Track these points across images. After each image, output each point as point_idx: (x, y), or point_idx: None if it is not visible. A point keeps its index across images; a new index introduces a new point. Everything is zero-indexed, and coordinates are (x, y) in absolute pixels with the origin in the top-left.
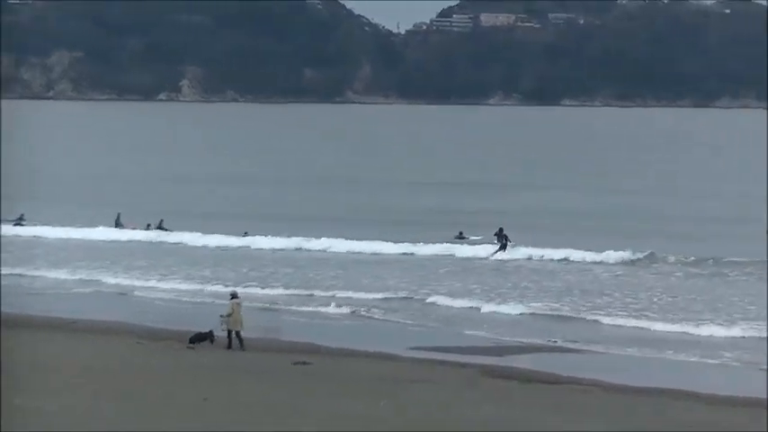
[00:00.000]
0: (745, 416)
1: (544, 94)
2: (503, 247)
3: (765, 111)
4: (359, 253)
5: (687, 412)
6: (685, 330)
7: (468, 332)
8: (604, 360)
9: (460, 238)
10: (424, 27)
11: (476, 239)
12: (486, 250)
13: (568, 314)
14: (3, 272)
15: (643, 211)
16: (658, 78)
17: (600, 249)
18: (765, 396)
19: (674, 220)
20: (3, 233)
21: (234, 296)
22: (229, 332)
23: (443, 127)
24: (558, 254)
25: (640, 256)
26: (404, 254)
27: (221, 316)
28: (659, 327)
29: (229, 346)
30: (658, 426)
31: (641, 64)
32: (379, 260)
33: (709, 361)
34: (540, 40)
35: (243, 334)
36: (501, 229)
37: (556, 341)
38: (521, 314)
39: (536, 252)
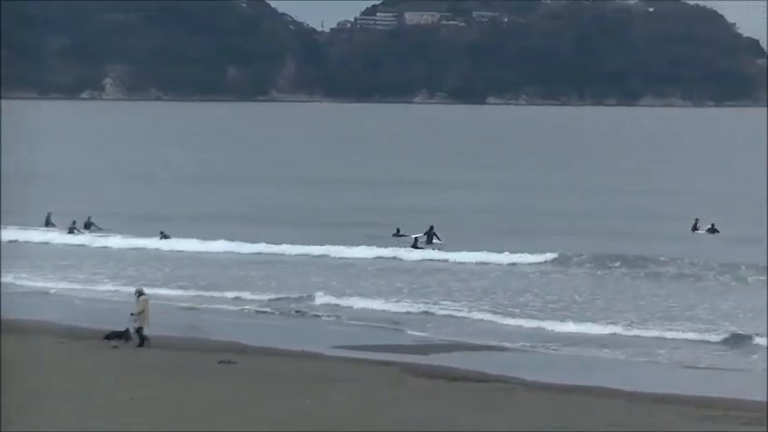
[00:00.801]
0: (668, 413)
1: (469, 93)
2: (429, 241)
3: (690, 109)
4: (281, 254)
5: (611, 410)
6: (614, 331)
7: (392, 331)
8: (530, 359)
9: (398, 235)
10: (349, 25)
11: (408, 237)
12: (409, 251)
13: (486, 314)
14: None
15: (564, 211)
16: (583, 77)
17: (522, 250)
18: (688, 393)
19: (596, 218)
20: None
21: (140, 293)
22: (138, 330)
23: (366, 125)
24: (480, 256)
25: (558, 255)
26: (321, 255)
27: (132, 314)
28: (584, 328)
29: (141, 344)
30: (582, 423)
31: (566, 62)
32: (296, 261)
33: (634, 359)
34: (465, 38)
35: (157, 332)
36: (431, 228)
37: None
38: (446, 315)
39: (461, 255)
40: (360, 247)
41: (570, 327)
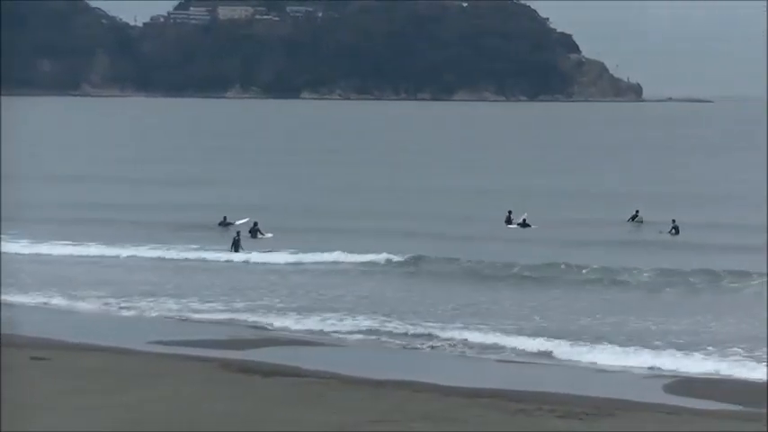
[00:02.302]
0: (483, 407)
1: (283, 87)
2: (254, 236)
3: (503, 103)
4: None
5: (426, 403)
6: (430, 332)
7: (207, 326)
8: (345, 354)
9: (225, 224)
10: (162, 20)
11: (234, 225)
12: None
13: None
14: None
15: (399, 209)
16: (397, 72)
17: (362, 251)
18: (502, 387)
19: (432, 219)
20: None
21: None
22: None
23: (176, 120)
24: (325, 257)
25: (403, 258)
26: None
27: None
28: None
29: None
30: (398, 416)
31: (380, 57)
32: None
33: (449, 355)
34: (279, 33)
35: None
36: (255, 223)
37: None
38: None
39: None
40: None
41: (389, 325)
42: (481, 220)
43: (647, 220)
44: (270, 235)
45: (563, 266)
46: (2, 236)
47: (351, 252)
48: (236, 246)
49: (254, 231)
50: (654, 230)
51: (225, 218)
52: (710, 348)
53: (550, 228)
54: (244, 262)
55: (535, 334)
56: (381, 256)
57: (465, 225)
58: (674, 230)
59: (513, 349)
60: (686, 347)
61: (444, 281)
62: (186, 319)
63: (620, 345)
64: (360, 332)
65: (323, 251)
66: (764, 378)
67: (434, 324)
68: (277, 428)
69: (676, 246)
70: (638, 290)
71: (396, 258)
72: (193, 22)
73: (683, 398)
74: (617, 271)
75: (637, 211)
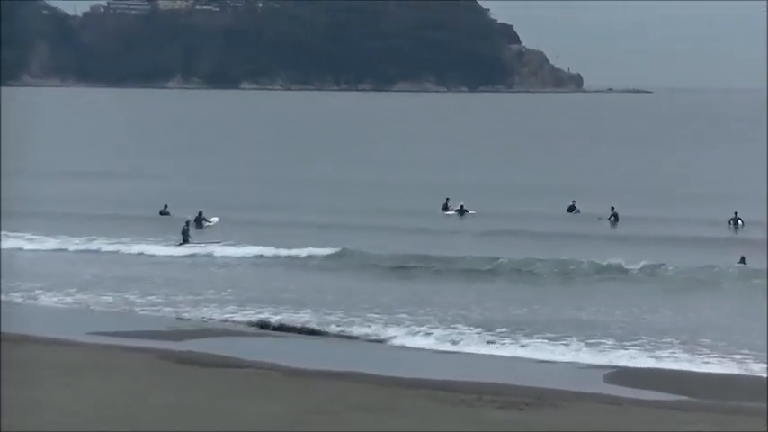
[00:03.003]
0: (423, 398)
1: (223, 78)
2: (199, 226)
3: (444, 94)
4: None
5: (366, 394)
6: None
7: (146, 318)
8: (285, 345)
9: (165, 213)
10: (102, 10)
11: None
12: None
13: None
14: None
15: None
16: (338, 63)
17: (300, 245)
18: (443, 378)
19: (367, 213)
20: None
21: None
22: None
23: (113, 111)
24: (254, 250)
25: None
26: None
27: None
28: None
29: None
30: (337, 407)
31: (321, 48)
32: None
33: (388, 346)
34: (219, 23)
35: None
36: (200, 213)
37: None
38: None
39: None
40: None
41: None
42: (419, 213)
43: (585, 212)
44: (215, 219)
45: (502, 260)
46: None
47: (285, 247)
48: (185, 235)
49: (199, 221)
50: (593, 219)
51: (165, 206)
52: (647, 339)
53: (488, 218)
54: (184, 255)
55: (472, 325)
56: (316, 251)
57: (403, 218)
58: (613, 218)
59: (447, 339)
60: (624, 338)
61: (372, 274)
62: (125, 311)
63: (558, 336)
64: (297, 324)
65: (264, 245)
66: (699, 370)
67: (372, 316)
68: (217, 419)
69: (614, 238)
70: (575, 281)
71: (327, 252)
72: (133, 12)
73: (624, 388)
74: (555, 263)
75: (573, 202)
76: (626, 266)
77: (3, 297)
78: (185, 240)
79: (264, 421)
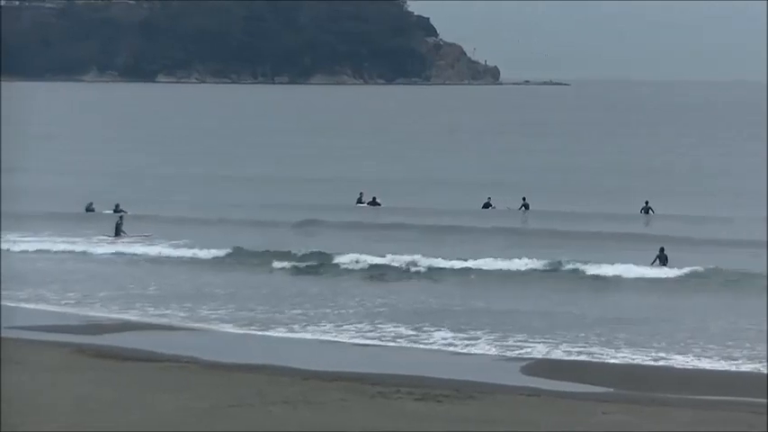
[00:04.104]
0: (342, 390)
1: (140, 71)
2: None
3: (360, 86)
4: None
5: (285, 387)
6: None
7: (62, 313)
8: (202, 338)
9: (90, 209)
10: (17, 2)
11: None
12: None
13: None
14: None
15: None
16: (255, 55)
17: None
18: (361, 371)
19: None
20: None
21: None
22: None
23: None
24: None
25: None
26: None
27: None
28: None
29: None
30: (257, 400)
31: (237, 41)
32: None
33: (307, 339)
34: (136, 16)
35: None
36: (117, 205)
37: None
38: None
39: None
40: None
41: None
42: (334, 208)
43: (500, 208)
44: (126, 212)
45: (418, 257)
46: None
47: (202, 247)
48: (117, 229)
49: (117, 212)
50: (507, 215)
51: (91, 203)
52: (564, 332)
53: (402, 213)
54: (109, 252)
55: (387, 319)
56: (214, 252)
57: (317, 213)
58: (523, 208)
59: (361, 334)
60: (540, 331)
61: (286, 272)
62: (42, 306)
63: (475, 329)
64: (217, 318)
65: (181, 245)
66: (618, 362)
67: (291, 312)
68: (135, 412)
69: (527, 233)
70: (489, 275)
71: (225, 251)
72: (49, 5)
73: (542, 379)
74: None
75: (489, 199)
76: (538, 262)
77: None
78: (117, 234)
79: (182, 415)
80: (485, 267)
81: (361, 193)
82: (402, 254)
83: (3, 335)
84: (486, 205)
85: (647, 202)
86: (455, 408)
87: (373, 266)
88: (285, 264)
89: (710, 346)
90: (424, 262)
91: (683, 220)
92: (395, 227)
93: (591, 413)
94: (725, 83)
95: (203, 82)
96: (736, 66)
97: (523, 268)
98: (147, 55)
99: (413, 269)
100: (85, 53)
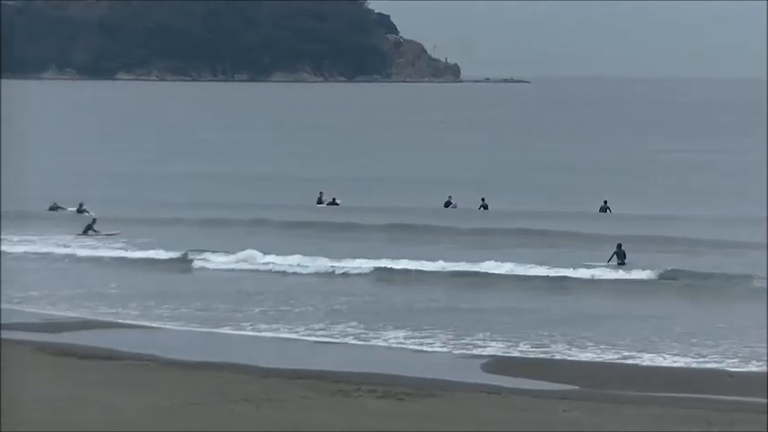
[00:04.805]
0: (303, 388)
1: (99, 69)
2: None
3: (321, 84)
4: None
5: (246, 385)
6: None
7: (21, 312)
8: (161, 336)
9: (54, 209)
10: None
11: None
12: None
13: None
14: None
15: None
16: (214, 53)
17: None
18: (322, 368)
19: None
20: None
21: None
22: None
23: None
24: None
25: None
26: None
27: None
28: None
29: None
30: (218, 397)
31: (197, 38)
32: None
33: (268, 336)
34: (95, 14)
35: None
36: (81, 204)
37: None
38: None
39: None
40: None
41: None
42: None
43: (462, 207)
44: (90, 212)
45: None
46: None
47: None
48: (87, 228)
49: (80, 212)
50: (467, 213)
51: (55, 203)
52: (525, 330)
53: (362, 212)
54: (70, 251)
55: (346, 318)
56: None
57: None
58: (482, 208)
59: (321, 331)
60: (503, 330)
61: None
62: (4, 305)
63: (434, 327)
64: (176, 316)
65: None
66: (579, 359)
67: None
68: (95, 411)
69: (487, 232)
70: (442, 274)
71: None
72: (8, 3)
73: (503, 377)
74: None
75: (450, 197)
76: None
77: None
78: (86, 232)
79: (143, 413)
80: (450, 269)
81: (321, 194)
82: (359, 254)
83: None
84: (447, 204)
85: (605, 202)
86: (416, 405)
87: (337, 267)
88: (242, 264)
89: (674, 344)
90: (382, 263)
91: (642, 219)
92: (351, 227)
93: (552, 411)
94: (719, 80)
95: (163, 80)
96: (734, 64)
97: (483, 270)
98: (106, 53)
99: (369, 270)
100: (44, 51)
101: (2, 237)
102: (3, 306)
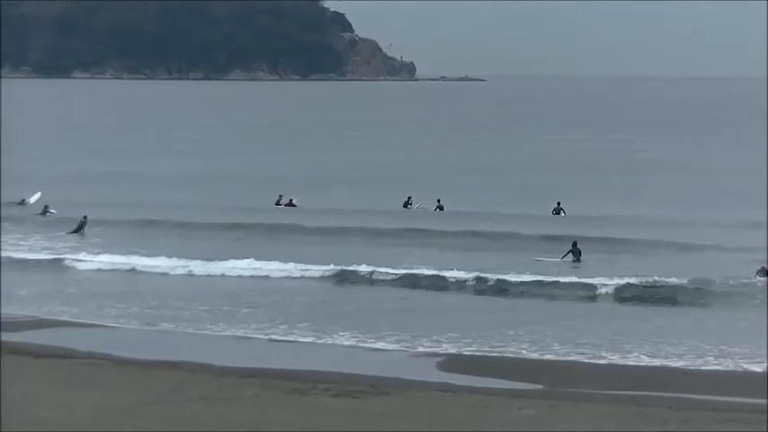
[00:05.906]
0: (256, 386)
1: (54, 67)
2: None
3: (276, 82)
4: None
5: (202, 383)
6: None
7: None
8: (117, 335)
9: (21, 204)
10: None
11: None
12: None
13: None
14: None
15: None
16: (169, 51)
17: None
18: (276, 367)
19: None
20: None
21: None
22: None
23: None
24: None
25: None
26: None
27: None
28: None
29: None
30: (175, 396)
31: (152, 36)
32: None
33: (223, 335)
34: (50, 12)
35: None
36: (46, 207)
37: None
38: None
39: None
40: None
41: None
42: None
43: (420, 207)
44: (38, 195)
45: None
46: None
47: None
48: (79, 228)
49: (44, 211)
50: (426, 214)
51: (23, 200)
52: (480, 329)
53: (319, 214)
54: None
55: (300, 319)
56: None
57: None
58: (438, 209)
59: (276, 330)
60: (459, 329)
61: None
62: None
63: (390, 326)
64: (130, 315)
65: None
66: (535, 357)
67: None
68: (51, 410)
69: (446, 234)
70: (400, 276)
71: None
72: None
73: (457, 375)
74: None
75: (410, 198)
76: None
77: None
78: (75, 232)
79: (99, 412)
80: (406, 272)
81: (280, 196)
82: (315, 257)
83: None
84: (407, 204)
85: (558, 203)
86: (371, 403)
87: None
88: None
89: (640, 343)
90: (339, 266)
91: (596, 220)
92: (304, 231)
93: (507, 408)
94: (669, 78)
95: (119, 78)
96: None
97: (441, 274)
98: (61, 51)
99: (326, 273)
100: None
101: None
102: None
